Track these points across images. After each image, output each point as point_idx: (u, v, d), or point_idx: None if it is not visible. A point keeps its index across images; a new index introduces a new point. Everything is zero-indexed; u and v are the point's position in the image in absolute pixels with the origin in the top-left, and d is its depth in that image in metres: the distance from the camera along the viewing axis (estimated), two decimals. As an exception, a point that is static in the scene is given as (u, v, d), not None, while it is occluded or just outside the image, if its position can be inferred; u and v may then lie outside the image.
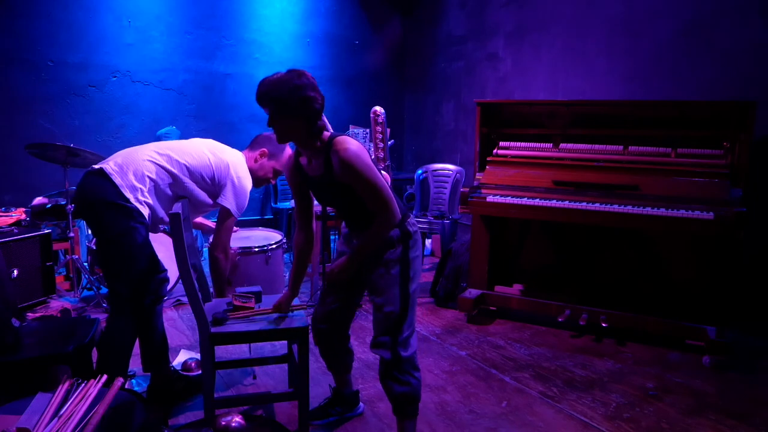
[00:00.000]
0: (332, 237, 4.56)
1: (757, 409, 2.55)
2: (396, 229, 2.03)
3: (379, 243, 2.02)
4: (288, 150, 2.59)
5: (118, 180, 2.27)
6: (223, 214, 2.49)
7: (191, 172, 2.42)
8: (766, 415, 2.51)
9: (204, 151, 2.50)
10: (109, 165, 2.32)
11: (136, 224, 2.27)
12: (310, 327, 2.23)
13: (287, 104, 1.87)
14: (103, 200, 2.24)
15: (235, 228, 3.25)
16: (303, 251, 2.23)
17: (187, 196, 2.44)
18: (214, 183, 2.48)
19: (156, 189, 2.36)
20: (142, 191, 2.31)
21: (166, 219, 2.39)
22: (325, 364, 2.39)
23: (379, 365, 2.06)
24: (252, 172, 2.62)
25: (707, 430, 2.39)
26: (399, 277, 2.03)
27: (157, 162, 2.38)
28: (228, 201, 2.48)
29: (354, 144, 1.92)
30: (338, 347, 2.32)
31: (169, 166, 2.39)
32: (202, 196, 2.48)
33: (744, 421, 2.45)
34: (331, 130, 2.04)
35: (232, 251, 3.19)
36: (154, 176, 2.35)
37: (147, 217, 2.33)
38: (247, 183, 2.54)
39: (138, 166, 2.34)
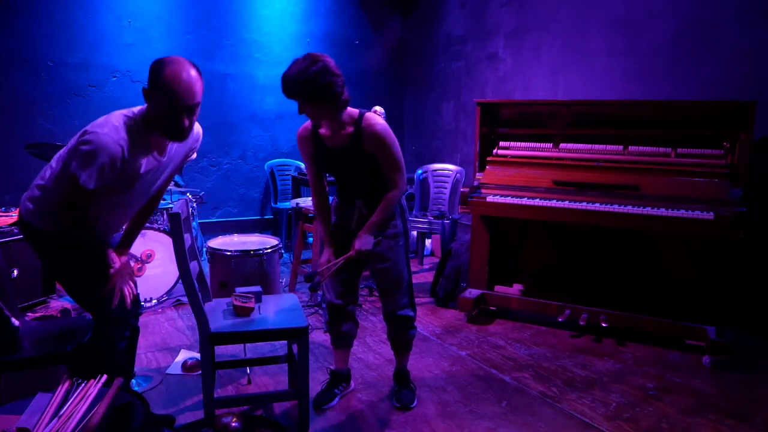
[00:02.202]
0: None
1: (757, 409, 2.55)
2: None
3: (393, 210, 2.35)
4: (183, 62, 1.87)
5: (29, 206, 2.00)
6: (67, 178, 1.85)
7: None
8: (766, 415, 2.51)
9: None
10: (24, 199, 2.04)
11: (67, 251, 2.01)
12: (325, 307, 2.56)
13: (314, 94, 2.05)
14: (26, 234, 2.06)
15: (234, 236, 3.24)
16: (325, 213, 2.47)
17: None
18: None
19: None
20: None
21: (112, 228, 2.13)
22: (337, 340, 2.60)
23: (397, 322, 2.48)
24: (150, 120, 1.90)
25: (707, 430, 2.38)
26: (404, 247, 2.44)
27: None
28: (73, 166, 1.81)
29: (383, 120, 2.26)
30: (351, 318, 2.56)
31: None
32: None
33: (744, 421, 2.45)
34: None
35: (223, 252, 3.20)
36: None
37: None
38: (102, 136, 1.78)
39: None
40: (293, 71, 2.06)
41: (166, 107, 1.82)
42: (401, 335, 2.53)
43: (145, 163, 1.93)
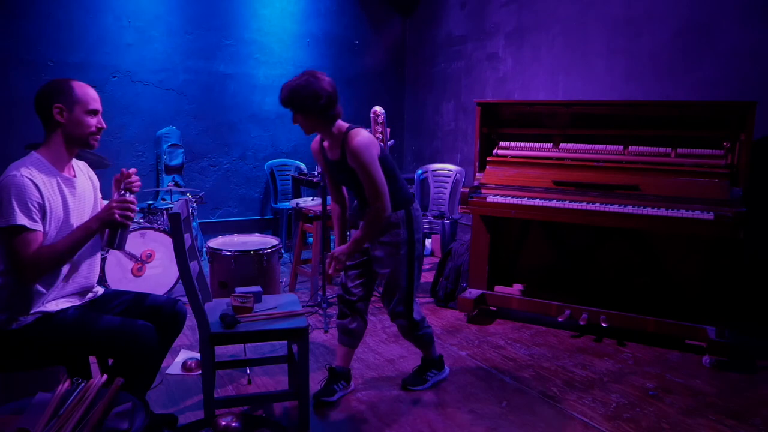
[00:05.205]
0: (331, 237, 4.55)
1: (757, 409, 2.55)
2: (402, 211, 2.43)
3: (376, 230, 2.38)
4: (87, 86, 2.03)
5: None
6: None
7: None
8: (766, 415, 2.51)
9: None
10: None
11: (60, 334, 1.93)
12: (337, 300, 2.63)
13: (298, 104, 2.25)
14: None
15: (234, 236, 3.23)
16: (341, 217, 2.64)
17: None
18: None
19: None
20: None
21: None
22: (342, 337, 2.62)
23: (398, 329, 2.59)
24: (69, 139, 1.95)
25: (707, 430, 2.39)
26: (406, 257, 2.45)
27: None
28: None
29: (365, 137, 2.29)
30: (359, 317, 2.61)
31: None
32: None
33: (744, 421, 2.45)
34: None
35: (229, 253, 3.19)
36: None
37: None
38: (5, 180, 1.81)
39: None
40: (289, 82, 2.28)
41: (83, 113, 1.94)
42: (405, 336, 2.63)
43: (61, 184, 1.94)
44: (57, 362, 1.97)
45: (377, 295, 4.08)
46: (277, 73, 5.80)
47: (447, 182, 5.07)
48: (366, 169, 2.28)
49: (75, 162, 2.06)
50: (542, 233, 3.69)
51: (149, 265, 3.79)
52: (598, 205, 3.16)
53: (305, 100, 2.23)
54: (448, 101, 5.92)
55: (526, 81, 4.93)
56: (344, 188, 2.64)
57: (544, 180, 3.41)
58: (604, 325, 3.25)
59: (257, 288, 2.44)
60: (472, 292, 3.65)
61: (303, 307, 2.43)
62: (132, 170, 2.01)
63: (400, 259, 2.45)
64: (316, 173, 3.71)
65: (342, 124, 2.36)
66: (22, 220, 1.76)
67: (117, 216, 1.87)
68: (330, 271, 2.45)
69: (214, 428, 1.73)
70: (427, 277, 4.55)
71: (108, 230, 1.92)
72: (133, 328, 1.92)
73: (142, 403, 1.57)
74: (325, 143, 2.44)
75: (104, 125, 2.03)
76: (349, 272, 2.58)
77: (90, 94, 1.99)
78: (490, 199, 3.41)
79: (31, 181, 1.81)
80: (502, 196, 3.41)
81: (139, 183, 2.01)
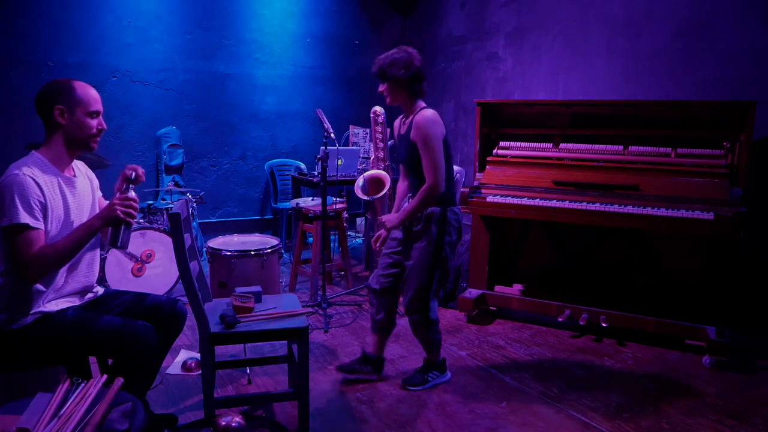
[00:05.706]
0: (332, 237, 4.56)
1: (757, 409, 2.55)
2: (438, 209, 2.48)
3: (425, 206, 2.47)
4: (89, 87, 2.01)
5: None
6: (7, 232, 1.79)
7: None
8: (766, 415, 2.51)
9: None
10: None
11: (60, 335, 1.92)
12: (367, 289, 2.73)
13: (388, 73, 2.46)
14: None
15: (234, 236, 3.22)
16: (404, 193, 2.71)
17: None
18: None
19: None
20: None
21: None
22: (372, 325, 2.74)
23: (409, 320, 2.64)
24: (70, 140, 1.95)
25: (707, 430, 2.39)
26: (432, 254, 2.50)
27: None
28: (3, 222, 1.77)
29: (433, 114, 2.46)
30: (383, 308, 2.69)
31: None
32: None
33: (744, 421, 2.45)
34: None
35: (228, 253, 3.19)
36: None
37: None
38: (6, 179, 1.80)
39: None
40: (382, 55, 2.50)
41: (84, 115, 1.93)
42: (416, 332, 2.68)
43: (62, 183, 1.93)
44: (57, 362, 1.97)
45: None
46: (277, 73, 5.80)
47: (447, 182, 5.06)
48: (428, 142, 2.40)
49: (74, 162, 2.07)
50: (542, 233, 3.69)
51: (149, 265, 3.79)
52: (598, 205, 3.16)
53: (395, 71, 2.44)
54: (448, 101, 5.92)
55: (526, 81, 4.93)
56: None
57: (544, 180, 3.41)
58: (604, 325, 3.25)
59: (257, 288, 2.44)
60: (472, 292, 3.66)
61: (303, 307, 2.43)
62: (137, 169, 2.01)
63: (425, 256, 2.51)
64: (315, 173, 3.71)
65: (421, 103, 2.53)
66: (25, 218, 1.77)
67: (119, 213, 1.87)
68: (377, 246, 2.65)
69: (214, 428, 1.73)
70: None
71: (110, 229, 1.92)
72: (133, 328, 1.92)
73: (142, 403, 1.57)
74: (401, 119, 2.61)
75: (105, 126, 2.02)
76: (382, 260, 2.65)
77: (91, 95, 1.98)
78: (490, 199, 3.41)
79: (33, 180, 1.82)
80: (502, 196, 3.41)
81: (143, 171, 2.02)
